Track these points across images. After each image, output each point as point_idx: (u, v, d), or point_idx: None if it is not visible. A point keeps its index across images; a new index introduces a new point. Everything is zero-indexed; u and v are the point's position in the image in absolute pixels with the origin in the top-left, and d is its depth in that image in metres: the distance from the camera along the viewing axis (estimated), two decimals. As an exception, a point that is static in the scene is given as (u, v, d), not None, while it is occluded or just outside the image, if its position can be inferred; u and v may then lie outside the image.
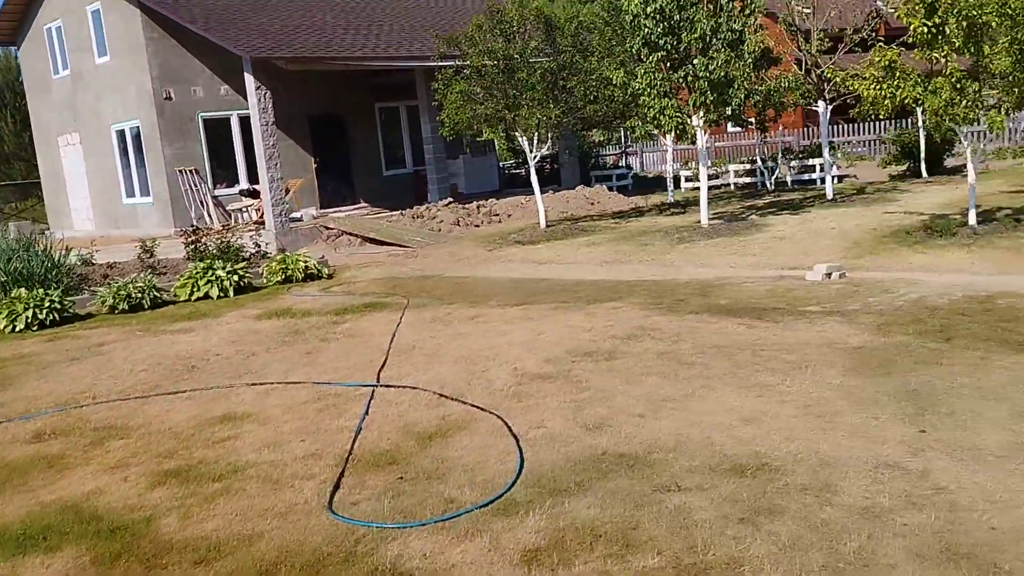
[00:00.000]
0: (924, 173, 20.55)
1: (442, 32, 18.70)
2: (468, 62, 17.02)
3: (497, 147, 26.87)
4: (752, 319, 8.48)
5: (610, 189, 24.70)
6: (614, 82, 15.30)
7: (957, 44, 11.43)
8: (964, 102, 11.59)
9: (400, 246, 18.56)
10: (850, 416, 5.49)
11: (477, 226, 20.45)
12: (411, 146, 25.63)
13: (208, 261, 13.65)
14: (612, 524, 4.28)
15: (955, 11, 11.27)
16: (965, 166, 22.32)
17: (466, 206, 21.28)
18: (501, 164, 30.58)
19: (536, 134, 17.40)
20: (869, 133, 28.69)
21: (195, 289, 12.96)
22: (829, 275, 10.32)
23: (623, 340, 8.04)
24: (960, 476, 4.47)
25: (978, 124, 12.09)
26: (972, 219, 12.40)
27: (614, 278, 12.37)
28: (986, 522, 3.97)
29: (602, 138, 32.43)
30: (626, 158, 32.24)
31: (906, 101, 11.83)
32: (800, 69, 17.84)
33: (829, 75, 14.22)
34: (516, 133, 17.53)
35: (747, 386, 6.32)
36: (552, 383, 6.88)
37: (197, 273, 13.17)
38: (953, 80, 11.50)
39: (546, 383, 6.90)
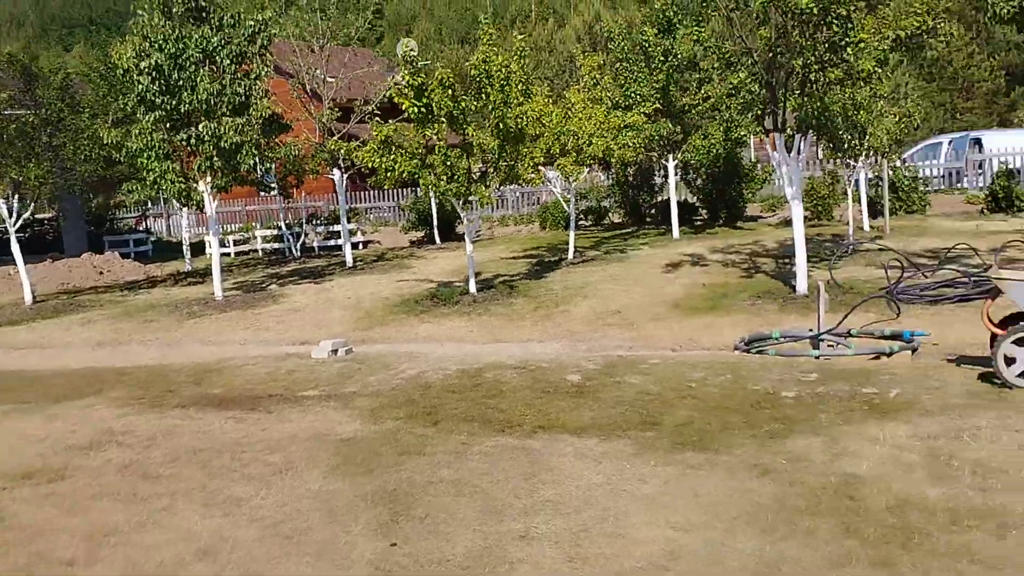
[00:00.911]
0: (438, 240, 21.68)
1: None
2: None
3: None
4: (244, 411, 7.65)
5: (126, 256, 22.45)
6: (107, 141, 13.67)
7: (445, 124, 11.96)
8: (456, 177, 12.14)
9: None
10: (321, 531, 4.88)
11: (-55, 303, 17.05)
12: None
13: None
14: None
15: (436, 99, 11.77)
16: (476, 233, 24.11)
17: (-69, 279, 17.67)
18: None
19: (15, 195, 14.95)
20: (395, 200, 29.80)
21: None
22: (335, 351, 9.91)
23: (82, 451, 6.69)
24: (423, 600, 4.04)
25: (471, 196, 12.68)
26: (472, 287, 12.98)
27: (105, 364, 10.78)
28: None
29: (126, 198, 29.61)
30: (147, 222, 29.75)
31: (404, 175, 12.06)
32: (318, 135, 17.73)
33: (332, 147, 14.14)
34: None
35: (216, 502, 5.45)
36: (-35, 525, 5.34)
37: None
38: (443, 157, 11.98)
39: (-44, 526, 5.34)
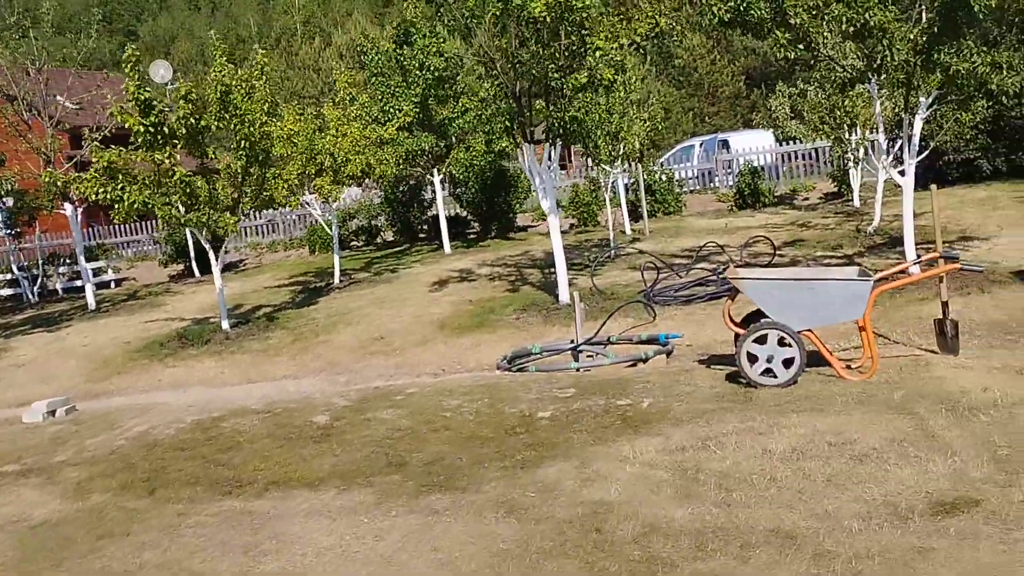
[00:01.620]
0: (197, 272, 20.19)
1: None
2: None
3: None
4: (-81, 501, 6.37)
5: None
6: None
7: (180, 144, 10.93)
8: (197, 206, 11.12)
9: None
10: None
11: None
12: None
13: None
14: None
15: (179, 113, 10.77)
16: (242, 262, 22.74)
17: None
18: None
19: None
20: (155, 231, 27.57)
21: None
22: (52, 413, 8.65)
23: None
24: None
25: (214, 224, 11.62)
26: (225, 324, 11.95)
27: None
28: None
29: None
30: None
31: (136, 206, 10.88)
32: (41, 166, 15.90)
33: (46, 179, 12.63)
34: None
35: None
36: None
37: None
38: (183, 184, 10.92)
39: None
